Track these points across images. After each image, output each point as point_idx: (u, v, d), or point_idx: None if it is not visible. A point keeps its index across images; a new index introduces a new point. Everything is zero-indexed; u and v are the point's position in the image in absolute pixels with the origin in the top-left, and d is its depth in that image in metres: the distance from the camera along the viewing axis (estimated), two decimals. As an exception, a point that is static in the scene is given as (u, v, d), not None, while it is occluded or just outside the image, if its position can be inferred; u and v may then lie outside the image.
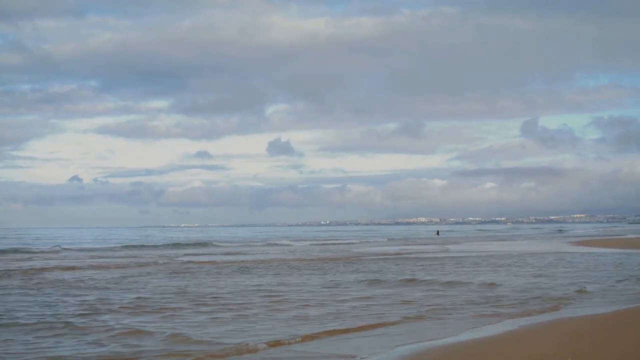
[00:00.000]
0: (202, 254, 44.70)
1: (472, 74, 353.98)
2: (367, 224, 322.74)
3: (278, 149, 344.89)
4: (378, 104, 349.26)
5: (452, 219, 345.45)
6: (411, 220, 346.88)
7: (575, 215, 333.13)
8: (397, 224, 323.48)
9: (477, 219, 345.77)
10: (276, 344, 11.61)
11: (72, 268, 30.49)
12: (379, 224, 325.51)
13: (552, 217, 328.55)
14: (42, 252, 48.43)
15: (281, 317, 14.52)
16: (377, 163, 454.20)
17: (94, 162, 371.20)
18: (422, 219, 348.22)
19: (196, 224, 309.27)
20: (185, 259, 38.27)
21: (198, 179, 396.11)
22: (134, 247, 57.69)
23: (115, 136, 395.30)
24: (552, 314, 14.74)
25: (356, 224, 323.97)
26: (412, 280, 22.76)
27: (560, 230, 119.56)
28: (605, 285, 20.27)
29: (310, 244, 65.36)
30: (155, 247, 57.96)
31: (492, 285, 20.57)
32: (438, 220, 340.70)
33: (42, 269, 29.59)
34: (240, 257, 39.74)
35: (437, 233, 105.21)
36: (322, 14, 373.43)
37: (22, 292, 20.15)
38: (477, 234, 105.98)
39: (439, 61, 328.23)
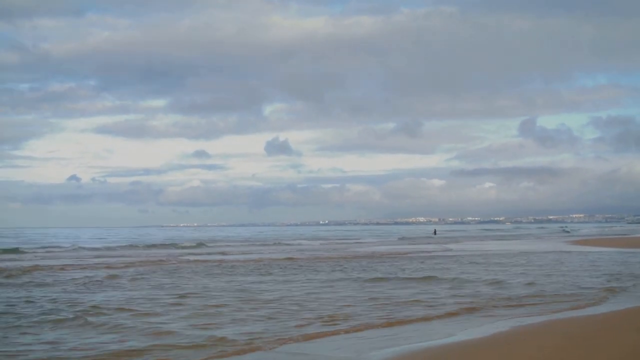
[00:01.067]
0: (227, 254, 44.30)
1: (470, 74, 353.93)
2: (366, 224, 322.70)
3: (276, 148, 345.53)
4: (376, 104, 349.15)
5: (451, 219, 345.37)
6: (410, 220, 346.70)
7: (574, 215, 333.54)
8: (396, 223, 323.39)
9: (476, 218, 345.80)
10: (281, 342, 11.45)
11: (107, 266, 30.66)
12: (378, 223, 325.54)
13: (551, 217, 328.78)
14: (65, 250, 49.32)
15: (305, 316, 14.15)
16: (375, 163, 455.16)
17: (93, 162, 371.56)
18: (421, 219, 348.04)
19: (195, 224, 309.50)
20: (211, 257, 38.14)
21: (197, 179, 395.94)
22: (154, 246, 57.18)
23: (114, 135, 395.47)
24: (551, 315, 14.15)
25: (355, 224, 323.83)
26: (448, 278, 22.39)
27: (565, 230, 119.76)
28: (635, 282, 20.28)
29: (321, 244, 64.28)
30: (166, 246, 57.47)
31: (531, 284, 20.27)
32: (437, 220, 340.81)
33: (77, 267, 29.98)
34: (266, 256, 39.46)
35: (434, 232, 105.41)
36: (321, 13, 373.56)
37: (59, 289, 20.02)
38: (484, 234, 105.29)
39: (438, 60, 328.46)
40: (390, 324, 13.18)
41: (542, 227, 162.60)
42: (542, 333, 11.68)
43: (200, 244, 61.91)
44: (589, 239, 65.38)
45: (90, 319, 13.86)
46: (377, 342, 11.43)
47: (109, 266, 30.55)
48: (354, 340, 11.58)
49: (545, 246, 50.62)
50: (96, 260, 35.15)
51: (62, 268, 29.19)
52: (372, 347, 10.98)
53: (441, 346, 10.83)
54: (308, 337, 11.85)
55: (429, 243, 62.83)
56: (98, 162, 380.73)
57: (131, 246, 56.74)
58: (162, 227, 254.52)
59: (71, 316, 14.18)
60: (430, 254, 40.05)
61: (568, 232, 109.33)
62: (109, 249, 52.67)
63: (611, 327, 12.16)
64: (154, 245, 58.13)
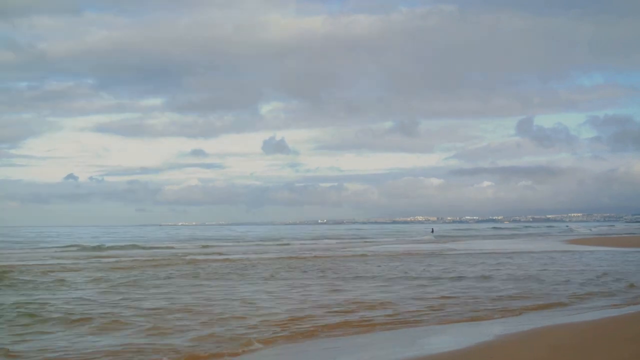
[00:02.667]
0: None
1: (468, 73, 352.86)
2: (364, 223, 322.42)
3: (273, 147, 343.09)
4: (374, 103, 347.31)
5: (449, 218, 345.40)
6: (408, 219, 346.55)
7: (572, 214, 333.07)
8: (394, 222, 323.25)
9: (475, 217, 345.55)
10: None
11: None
12: (376, 222, 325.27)
13: (549, 216, 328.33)
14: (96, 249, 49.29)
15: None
16: (373, 162, 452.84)
17: (91, 161, 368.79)
18: (419, 218, 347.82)
19: (193, 222, 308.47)
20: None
21: (195, 177, 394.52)
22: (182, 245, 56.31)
23: (112, 134, 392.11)
24: (541, 321, 13.35)
25: (353, 223, 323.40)
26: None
27: (570, 229, 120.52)
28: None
29: (338, 242, 63.67)
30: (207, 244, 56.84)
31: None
32: (435, 219, 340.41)
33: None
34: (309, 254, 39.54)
35: (432, 231, 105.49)
36: (320, 11, 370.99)
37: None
38: (494, 232, 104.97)
39: (436, 59, 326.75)
40: (367, 331, 12.50)
41: (551, 226, 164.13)
42: (529, 342, 10.80)
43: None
44: (609, 238, 65.04)
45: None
46: (345, 350, 10.72)
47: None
48: (318, 352, 10.85)
49: (586, 247, 49.57)
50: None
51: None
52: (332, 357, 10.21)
53: (415, 359, 10.00)
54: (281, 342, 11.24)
55: (474, 241, 62.77)
56: (97, 161, 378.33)
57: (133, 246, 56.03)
58: (161, 225, 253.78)
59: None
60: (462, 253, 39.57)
61: (572, 231, 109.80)
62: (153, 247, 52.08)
63: (602, 336, 11.22)
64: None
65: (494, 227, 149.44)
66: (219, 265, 30.39)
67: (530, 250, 42.44)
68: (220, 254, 41.99)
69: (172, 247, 52.75)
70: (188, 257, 37.10)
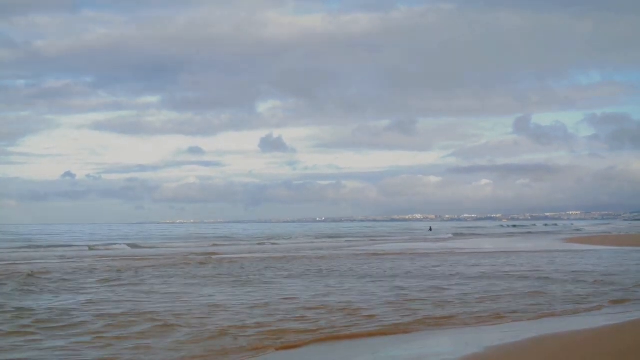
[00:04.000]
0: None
1: (466, 71, 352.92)
2: (362, 220, 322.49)
3: (270, 145, 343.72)
4: (371, 101, 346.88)
5: (447, 216, 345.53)
6: (406, 217, 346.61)
7: (570, 212, 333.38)
8: (392, 220, 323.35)
9: (473, 215, 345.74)
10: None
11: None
12: (374, 220, 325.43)
13: (547, 214, 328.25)
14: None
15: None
16: (371, 160, 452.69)
17: (89, 158, 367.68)
18: (418, 216, 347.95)
19: (191, 220, 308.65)
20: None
21: (193, 175, 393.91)
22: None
23: (110, 132, 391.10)
24: (538, 330, 12.65)
25: (352, 221, 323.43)
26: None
27: (578, 229, 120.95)
28: None
29: (346, 241, 63.86)
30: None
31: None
32: (434, 217, 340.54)
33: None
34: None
35: (430, 229, 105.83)
36: (319, 10, 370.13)
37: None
38: (500, 231, 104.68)
39: (434, 57, 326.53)
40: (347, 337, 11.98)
41: (555, 225, 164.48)
42: (518, 355, 10.09)
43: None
44: (619, 237, 64.87)
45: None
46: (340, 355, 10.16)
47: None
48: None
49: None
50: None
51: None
52: None
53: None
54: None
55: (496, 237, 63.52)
56: (94, 159, 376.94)
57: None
58: (159, 223, 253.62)
59: None
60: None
61: (579, 230, 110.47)
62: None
63: (596, 348, 10.39)
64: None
65: (500, 225, 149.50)
66: (221, 266, 29.81)
67: (540, 250, 42.08)
68: (217, 254, 41.51)
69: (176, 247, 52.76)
70: (190, 257, 36.84)
